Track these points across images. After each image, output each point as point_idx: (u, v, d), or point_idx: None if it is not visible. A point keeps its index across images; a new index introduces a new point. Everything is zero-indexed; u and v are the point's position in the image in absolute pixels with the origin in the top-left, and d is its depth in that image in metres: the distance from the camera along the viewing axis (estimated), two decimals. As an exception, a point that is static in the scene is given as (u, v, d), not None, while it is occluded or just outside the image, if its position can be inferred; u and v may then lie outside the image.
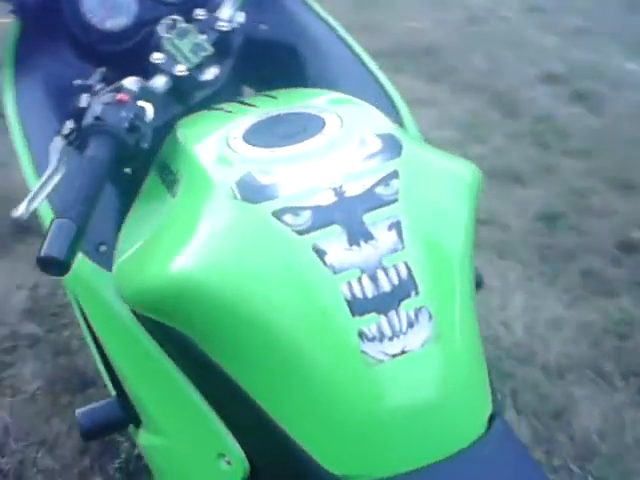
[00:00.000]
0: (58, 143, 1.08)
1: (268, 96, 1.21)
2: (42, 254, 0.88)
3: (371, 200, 0.93)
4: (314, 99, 1.17)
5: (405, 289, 0.89)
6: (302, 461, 0.90)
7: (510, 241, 2.86)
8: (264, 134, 1.05)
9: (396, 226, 0.92)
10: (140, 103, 1.09)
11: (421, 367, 0.89)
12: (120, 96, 1.04)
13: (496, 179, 3.22)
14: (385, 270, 0.89)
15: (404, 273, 0.90)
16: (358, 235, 0.90)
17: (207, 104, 1.21)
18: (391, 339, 0.87)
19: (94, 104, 1.04)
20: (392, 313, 0.88)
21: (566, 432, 2.12)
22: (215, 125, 1.11)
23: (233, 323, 0.90)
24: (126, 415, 1.18)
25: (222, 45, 1.23)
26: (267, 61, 1.39)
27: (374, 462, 0.89)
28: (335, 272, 0.88)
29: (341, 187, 0.93)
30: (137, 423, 1.20)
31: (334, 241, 0.90)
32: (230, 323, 0.90)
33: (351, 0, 5.23)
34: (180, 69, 1.18)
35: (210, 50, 1.20)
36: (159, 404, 1.12)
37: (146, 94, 1.11)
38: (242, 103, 1.18)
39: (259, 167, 0.97)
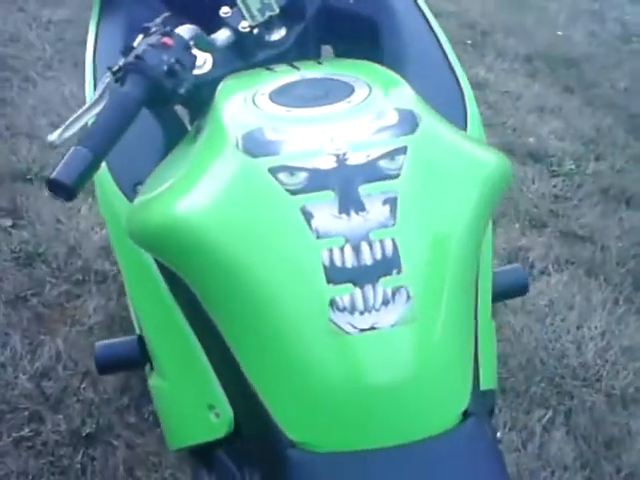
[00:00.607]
0: (107, 78, 1.11)
1: (316, 61, 1.22)
2: (52, 177, 0.92)
3: (372, 172, 0.91)
4: (357, 68, 1.17)
5: (387, 266, 0.87)
6: (266, 422, 0.90)
7: (604, 261, 2.75)
8: (290, 94, 1.06)
9: (391, 202, 0.90)
10: (196, 52, 1.12)
11: (388, 346, 0.87)
12: (165, 39, 1.06)
13: (606, 198, 3.12)
14: (370, 243, 0.88)
15: (389, 250, 0.88)
16: (350, 204, 0.89)
17: (271, 64, 1.22)
18: (362, 313, 0.86)
19: (141, 44, 1.07)
20: (368, 287, 0.87)
21: (613, 463, 2.04)
22: (251, 81, 1.13)
23: (217, 270, 0.91)
24: (143, 355, 1.20)
25: (292, 8, 1.25)
26: (347, 32, 1.40)
27: (331, 434, 0.88)
28: (319, 237, 0.88)
29: (344, 154, 0.92)
30: (152, 364, 1.22)
31: (324, 206, 0.89)
32: (215, 270, 0.92)
33: (505, 1, 5.16)
34: (244, 25, 1.20)
35: (276, 11, 1.22)
36: (164, 346, 1.14)
37: (203, 44, 1.13)
38: (291, 65, 1.19)
39: (272, 123, 0.98)
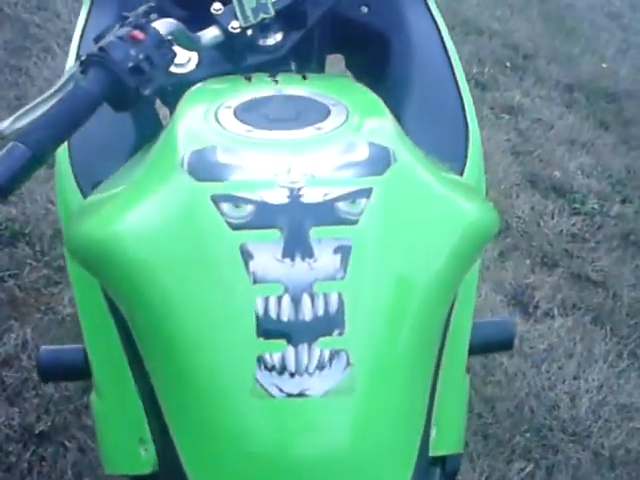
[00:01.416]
0: (73, 68, 1.02)
1: (302, 75, 1.12)
2: None
3: (327, 213, 0.80)
4: (342, 90, 1.06)
5: (328, 324, 0.76)
6: (180, 475, 0.81)
7: (613, 310, 2.63)
8: (258, 111, 0.95)
9: (344, 251, 0.79)
10: (179, 49, 1.02)
11: (317, 417, 0.76)
12: (135, 32, 0.96)
13: (626, 243, 2.99)
14: (313, 296, 0.77)
15: (334, 306, 0.77)
16: (296, 248, 0.78)
17: (264, 70, 1.13)
18: (292, 376, 0.75)
19: (109, 35, 0.97)
20: (303, 347, 0.76)
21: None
22: (221, 91, 1.03)
23: (144, 302, 0.82)
24: (88, 366, 1.11)
25: (291, 12, 1.15)
26: (358, 44, 1.30)
27: None
28: (255, 281, 0.77)
29: (299, 190, 0.81)
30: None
31: (267, 247, 0.78)
32: (142, 301, 0.82)
33: (555, 26, 5.02)
34: (234, 25, 1.10)
35: (271, 13, 1.11)
36: (102, 367, 1.05)
37: (184, 41, 1.04)
38: (271, 77, 1.09)
39: (228, 144, 0.87)
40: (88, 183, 1.08)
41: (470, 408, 2.13)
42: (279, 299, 0.76)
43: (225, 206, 0.80)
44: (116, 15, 1.27)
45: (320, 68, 1.36)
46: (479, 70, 4.03)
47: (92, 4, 1.32)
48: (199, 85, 1.06)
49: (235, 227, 0.79)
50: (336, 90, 1.03)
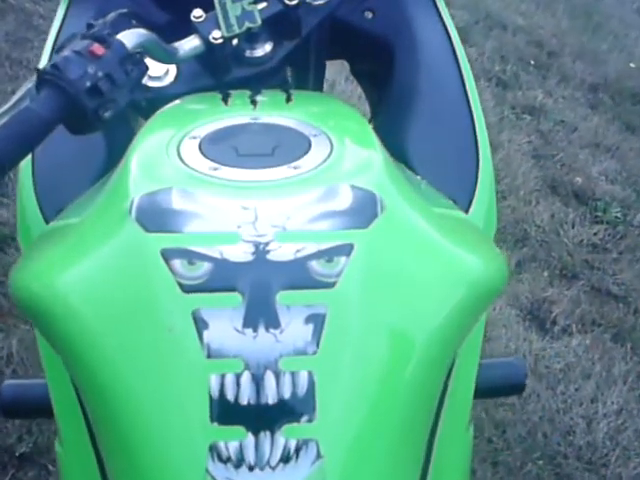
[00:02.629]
0: (30, 82, 0.91)
1: (286, 96, 0.99)
2: None
3: (298, 275, 0.68)
4: (328, 116, 0.93)
5: (296, 409, 0.64)
6: None
7: (635, 327, 2.50)
8: (228, 143, 0.83)
9: (317, 320, 0.66)
10: (149, 61, 0.91)
11: None
12: (95, 47, 0.84)
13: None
14: (278, 375, 0.65)
15: (303, 386, 0.65)
16: (260, 316, 0.66)
17: (251, 84, 1.01)
18: (251, 469, 0.63)
19: (66, 49, 0.86)
20: (265, 436, 0.64)
21: None
22: (189, 117, 0.90)
23: (85, 370, 0.70)
24: None
25: (281, 21, 1.03)
26: (362, 50, 1.18)
27: None
28: (210, 355, 0.65)
29: (267, 245, 0.68)
30: None
31: (224, 314, 0.66)
32: (83, 370, 0.71)
33: (582, 22, 4.87)
34: (216, 35, 0.98)
35: (258, 22, 0.99)
36: (63, 410, 0.94)
37: (158, 54, 0.92)
38: (250, 98, 0.96)
39: (186, 185, 0.75)
40: (52, 207, 0.97)
41: (479, 432, 2.01)
42: (237, 377, 0.64)
43: (177, 263, 0.67)
44: (96, 15, 1.16)
45: (319, 76, 1.24)
46: (501, 67, 3.89)
47: (70, 3, 1.21)
48: (168, 107, 0.93)
49: (188, 289, 0.66)
50: (321, 116, 0.90)
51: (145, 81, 0.97)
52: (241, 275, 0.67)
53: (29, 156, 0.94)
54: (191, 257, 0.67)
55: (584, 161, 3.28)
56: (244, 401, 0.64)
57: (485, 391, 1.04)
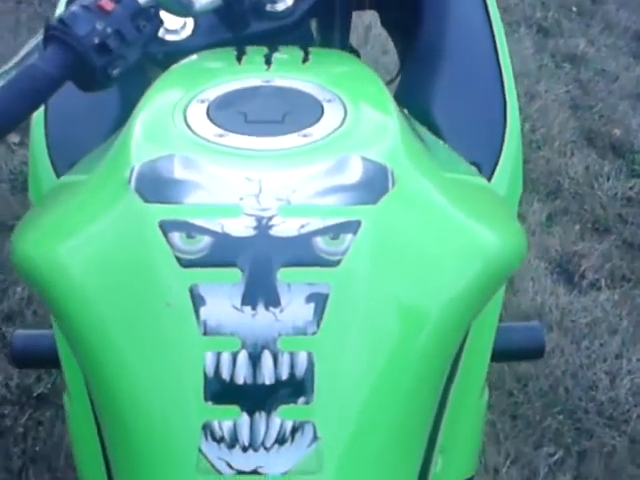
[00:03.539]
0: (40, 35, 0.89)
1: (302, 52, 0.96)
2: None
3: (302, 251, 0.65)
4: (345, 79, 0.90)
5: (293, 390, 0.63)
6: None
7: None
8: (237, 107, 0.80)
9: (319, 300, 0.64)
10: (166, 14, 0.89)
11: None
12: (103, 2, 0.81)
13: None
14: (276, 354, 0.63)
15: (302, 367, 0.63)
16: (259, 293, 0.64)
17: (272, 40, 0.98)
18: (245, 450, 0.62)
19: (76, 2, 0.82)
20: (260, 416, 0.63)
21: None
22: (199, 77, 0.88)
23: (82, 340, 0.70)
24: None
25: None
26: (388, 3, 1.16)
27: None
28: (206, 333, 0.63)
29: (270, 219, 0.66)
30: None
31: (223, 290, 0.64)
32: (80, 339, 0.70)
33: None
34: None
35: None
36: (69, 365, 0.94)
37: (174, 7, 0.90)
38: (267, 54, 0.93)
39: (189, 152, 0.72)
40: (64, 161, 0.96)
41: (500, 385, 2.01)
42: (234, 356, 0.63)
43: (175, 236, 0.65)
44: None
45: (345, 29, 1.21)
46: (542, 14, 3.79)
47: None
48: (179, 65, 0.91)
49: (186, 264, 0.65)
50: (337, 79, 0.87)
51: (161, 34, 0.96)
52: (242, 250, 0.65)
53: (41, 108, 0.94)
54: (190, 230, 0.66)
55: (623, 112, 3.20)
56: (240, 380, 0.62)
57: (503, 355, 1.02)
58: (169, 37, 0.97)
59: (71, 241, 0.72)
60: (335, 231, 0.66)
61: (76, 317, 0.69)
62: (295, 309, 0.64)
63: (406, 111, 0.98)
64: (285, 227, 0.66)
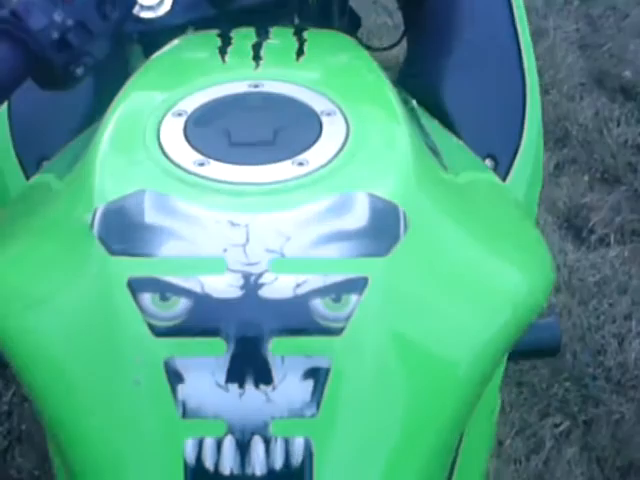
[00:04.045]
0: None
1: (296, 37, 0.83)
2: None
3: (297, 317, 0.56)
4: (345, 76, 0.78)
5: None
6: None
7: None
8: (217, 125, 0.68)
9: (318, 375, 0.55)
10: None
11: None
12: None
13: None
14: (268, 441, 0.54)
15: (298, 456, 0.54)
16: (247, 368, 0.55)
17: (259, 17, 0.87)
18: None
19: None
20: None
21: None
22: (179, 75, 0.77)
23: (46, 409, 0.61)
24: None
25: None
26: None
27: None
28: (185, 415, 0.54)
29: (260, 276, 0.56)
30: None
31: (204, 365, 0.55)
32: (44, 408, 0.61)
33: None
34: None
35: None
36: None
37: None
38: (255, 43, 0.81)
39: (163, 187, 0.61)
40: (32, 157, 0.88)
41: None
42: (218, 442, 0.54)
43: (146, 298, 0.56)
44: None
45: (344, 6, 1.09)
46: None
47: None
48: (156, 57, 0.80)
49: (160, 332, 0.55)
50: (337, 81, 0.76)
51: (136, 11, 0.85)
52: (226, 316, 0.55)
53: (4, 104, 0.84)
54: (164, 290, 0.56)
55: (634, 53, 3.05)
56: (226, 470, 0.53)
57: (519, 354, 0.95)
58: (145, 14, 0.87)
59: (33, 304, 0.62)
60: (337, 291, 0.56)
61: (41, 390, 0.60)
62: (290, 387, 0.55)
63: (415, 103, 0.88)
64: (278, 286, 0.56)
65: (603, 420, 1.88)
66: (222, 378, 0.55)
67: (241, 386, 0.55)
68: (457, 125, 0.92)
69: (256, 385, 0.55)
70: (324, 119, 0.68)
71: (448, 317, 0.61)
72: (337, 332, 0.56)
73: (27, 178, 0.88)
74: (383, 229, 0.59)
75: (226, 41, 0.81)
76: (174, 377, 0.55)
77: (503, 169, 0.92)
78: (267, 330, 0.55)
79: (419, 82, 0.97)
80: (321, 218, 0.59)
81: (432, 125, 0.88)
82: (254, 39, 0.82)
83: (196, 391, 0.55)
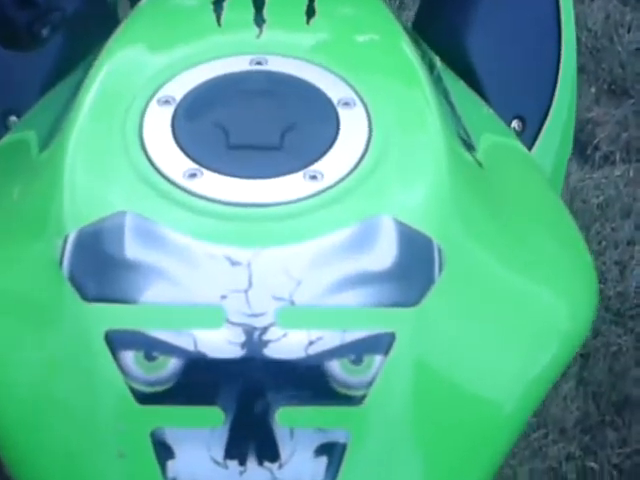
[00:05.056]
0: None
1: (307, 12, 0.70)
2: None
3: (309, 382, 0.48)
4: (366, 55, 0.65)
5: None
6: None
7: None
8: (212, 117, 0.56)
9: (332, 452, 0.47)
10: None
11: None
12: None
13: None
14: None
15: None
16: (249, 442, 0.47)
17: None
18: None
19: None
20: None
21: (619, 433, 1.71)
22: (166, 42, 0.64)
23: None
24: None
25: None
26: None
27: None
28: None
29: (265, 331, 0.47)
30: None
31: (199, 438, 0.47)
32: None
33: None
34: None
35: None
36: None
37: None
38: (256, 10, 0.67)
39: (147, 208, 0.51)
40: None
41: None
42: None
43: (129, 357, 0.47)
44: None
45: None
46: None
47: None
48: (138, 12, 0.66)
49: (145, 398, 0.47)
50: (356, 54, 0.63)
51: None
52: (224, 380, 0.47)
53: None
54: (150, 348, 0.46)
55: (649, -51, 2.89)
56: None
57: None
58: None
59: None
60: (358, 351, 0.47)
61: (11, 460, 0.51)
62: (299, 465, 0.47)
63: (438, 61, 0.76)
64: (286, 344, 0.47)
65: (600, 353, 1.83)
66: (220, 453, 0.47)
67: (242, 463, 0.47)
68: (482, 79, 0.82)
69: (260, 462, 0.47)
70: (341, 111, 0.57)
71: (488, 364, 0.54)
72: (357, 401, 0.47)
73: None
74: (414, 271, 0.50)
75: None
76: (163, 451, 0.47)
77: (531, 132, 0.83)
78: (273, 397, 0.47)
79: (439, 26, 0.85)
80: (339, 255, 0.49)
81: (455, 86, 0.77)
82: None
83: (189, 468, 0.47)
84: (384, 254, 0.49)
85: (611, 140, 2.26)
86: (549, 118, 0.83)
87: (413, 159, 0.55)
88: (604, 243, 2.02)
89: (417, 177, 0.54)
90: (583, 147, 2.23)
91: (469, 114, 0.72)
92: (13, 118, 0.77)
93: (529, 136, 0.83)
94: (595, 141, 2.23)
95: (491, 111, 0.79)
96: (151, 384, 0.47)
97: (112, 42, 0.63)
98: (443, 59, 0.80)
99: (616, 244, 2.03)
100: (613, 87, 2.41)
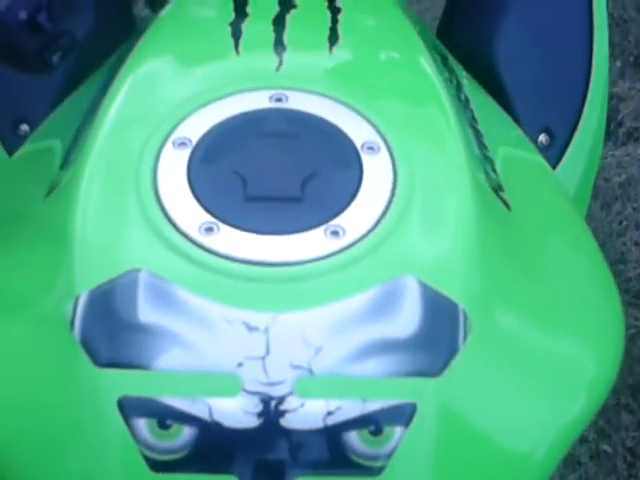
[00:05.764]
0: None
1: (329, 12, 0.68)
2: None
3: (327, 453, 0.47)
4: (389, 85, 0.63)
5: None
6: None
7: None
8: (230, 163, 0.54)
9: None
10: None
11: None
12: None
13: None
14: None
15: None
16: None
17: None
18: None
19: None
20: None
21: (635, 416, 1.72)
22: (183, 72, 0.62)
23: None
24: None
25: None
26: None
27: None
28: None
29: (282, 401, 0.47)
30: None
31: None
32: None
33: None
34: None
35: None
36: None
37: None
38: (275, 23, 0.66)
39: (161, 267, 0.50)
40: (7, 122, 0.78)
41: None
42: None
43: (142, 424, 0.46)
44: None
45: None
46: None
47: None
48: (153, 36, 0.65)
49: (158, 467, 0.46)
50: (380, 87, 0.62)
51: None
52: (240, 450, 0.46)
53: None
54: (164, 416, 0.46)
55: None
56: None
57: None
58: None
59: (8, 417, 0.51)
60: (377, 422, 0.47)
61: None
62: None
63: (464, 75, 0.75)
64: (304, 414, 0.47)
65: (618, 335, 1.82)
66: None
67: None
68: (509, 90, 0.80)
69: None
70: (365, 157, 0.55)
71: (514, 428, 0.52)
72: (376, 472, 0.47)
73: (5, 147, 0.78)
74: (438, 339, 0.49)
75: (240, 17, 0.66)
76: None
77: (559, 146, 0.81)
78: (290, 468, 0.47)
79: (465, 33, 0.83)
80: (360, 320, 0.49)
81: (481, 101, 0.75)
82: (275, 9, 0.67)
83: None
84: (407, 320, 0.49)
85: (635, 116, 2.22)
86: (577, 132, 0.82)
87: (439, 212, 0.53)
88: (625, 223, 2.00)
89: (443, 233, 0.53)
90: (607, 122, 2.20)
91: (495, 134, 0.71)
92: (24, 127, 0.77)
93: (556, 151, 0.82)
94: (619, 117, 2.20)
95: (518, 129, 0.77)
96: (165, 452, 0.47)
97: (132, 60, 0.62)
98: (467, 67, 0.78)
99: (637, 225, 2.01)
100: (639, 61, 2.37)
